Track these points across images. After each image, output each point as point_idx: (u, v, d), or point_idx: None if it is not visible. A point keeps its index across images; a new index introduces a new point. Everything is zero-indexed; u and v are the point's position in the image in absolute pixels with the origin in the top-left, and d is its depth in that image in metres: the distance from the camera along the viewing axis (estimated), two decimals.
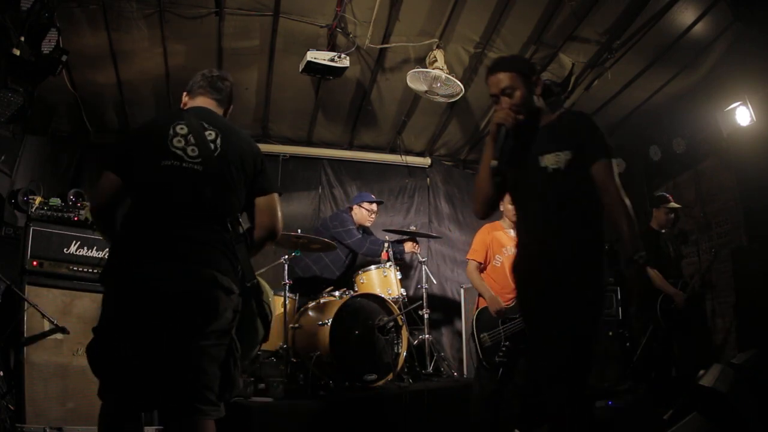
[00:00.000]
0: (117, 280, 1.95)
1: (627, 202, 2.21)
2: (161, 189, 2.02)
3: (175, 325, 1.87)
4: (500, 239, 4.12)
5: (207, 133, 2.10)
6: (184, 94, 2.34)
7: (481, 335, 3.84)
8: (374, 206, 5.24)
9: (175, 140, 2.05)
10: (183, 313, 1.88)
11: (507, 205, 4.10)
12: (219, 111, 2.28)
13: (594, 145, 2.26)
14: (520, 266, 2.46)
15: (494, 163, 2.28)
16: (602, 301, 2.30)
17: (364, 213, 5.17)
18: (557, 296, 2.19)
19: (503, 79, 2.29)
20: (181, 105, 2.33)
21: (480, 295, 4.00)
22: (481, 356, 3.79)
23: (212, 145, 2.09)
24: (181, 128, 2.08)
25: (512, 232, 4.19)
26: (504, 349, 3.74)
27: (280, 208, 2.24)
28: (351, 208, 5.28)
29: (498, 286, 3.96)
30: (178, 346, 1.87)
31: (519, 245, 2.53)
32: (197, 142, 2.06)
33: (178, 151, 2.03)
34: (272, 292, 2.31)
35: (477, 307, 4.02)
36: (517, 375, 3.71)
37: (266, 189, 2.21)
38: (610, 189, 2.21)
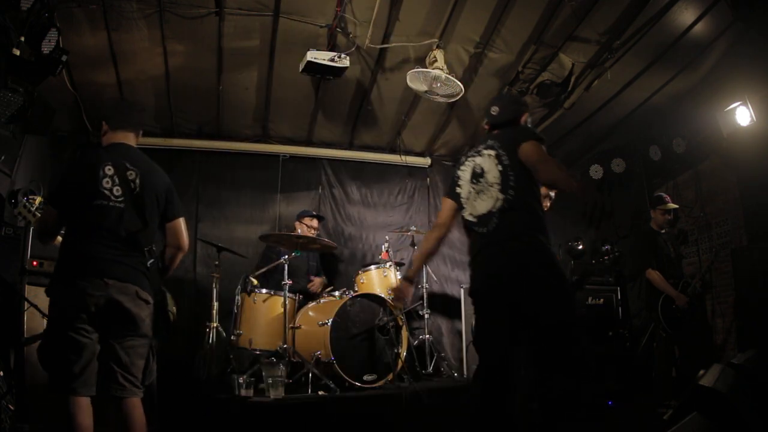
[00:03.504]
0: (63, 291, 2.40)
1: None
2: (93, 222, 2.48)
3: (110, 328, 2.39)
4: None
5: (128, 173, 2.57)
6: (104, 122, 2.74)
7: None
8: (314, 222, 5.43)
9: (104, 181, 2.52)
10: (114, 319, 2.39)
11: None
12: (135, 140, 2.75)
13: None
14: None
15: None
16: None
17: (304, 228, 5.36)
18: None
19: None
20: (102, 132, 2.74)
21: None
22: None
23: (132, 185, 2.56)
24: (109, 169, 2.54)
25: None
26: None
27: (185, 228, 2.76)
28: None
29: None
30: (110, 345, 2.39)
31: None
32: (121, 182, 2.54)
33: (106, 192, 2.51)
34: (173, 301, 3.11)
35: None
36: None
37: (173, 216, 2.72)
38: None
